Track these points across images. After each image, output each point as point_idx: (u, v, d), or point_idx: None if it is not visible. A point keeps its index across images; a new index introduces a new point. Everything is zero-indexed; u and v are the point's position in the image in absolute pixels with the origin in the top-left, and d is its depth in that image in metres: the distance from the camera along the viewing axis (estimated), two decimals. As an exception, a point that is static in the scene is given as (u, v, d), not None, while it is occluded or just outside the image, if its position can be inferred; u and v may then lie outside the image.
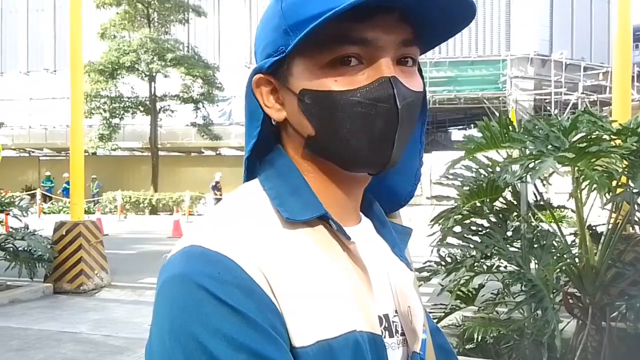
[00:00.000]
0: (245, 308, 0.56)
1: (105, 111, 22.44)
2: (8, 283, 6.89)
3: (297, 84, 0.65)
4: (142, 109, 23.22)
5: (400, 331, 0.70)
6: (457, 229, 3.46)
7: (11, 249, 6.86)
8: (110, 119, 22.60)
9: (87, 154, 12.31)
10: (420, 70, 0.70)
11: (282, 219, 0.64)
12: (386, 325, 0.68)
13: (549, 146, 2.88)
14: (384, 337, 0.66)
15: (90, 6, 19.70)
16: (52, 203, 22.47)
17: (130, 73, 22.04)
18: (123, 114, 22.89)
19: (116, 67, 21.56)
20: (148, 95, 23.17)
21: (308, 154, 0.68)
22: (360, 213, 0.74)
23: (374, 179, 0.72)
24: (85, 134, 12.50)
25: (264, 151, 0.71)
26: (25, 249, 6.93)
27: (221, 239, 0.60)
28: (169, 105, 23.55)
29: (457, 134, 31.82)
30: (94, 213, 18.49)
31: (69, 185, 10.97)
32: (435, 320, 4.10)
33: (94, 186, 22.83)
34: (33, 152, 29.14)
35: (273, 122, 0.70)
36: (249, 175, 0.71)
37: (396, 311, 0.71)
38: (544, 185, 3.59)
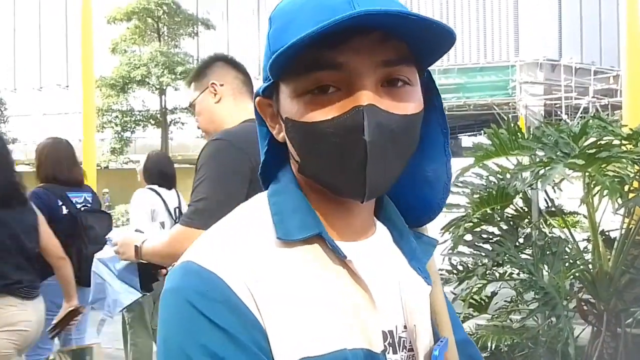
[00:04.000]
0: (229, 325, 0.58)
1: (116, 125, 22.65)
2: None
3: (283, 111, 0.66)
4: (153, 122, 23.41)
5: (408, 347, 0.70)
6: (468, 237, 3.43)
7: (26, 263, 6.91)
8: (122, 133, 22.80)
9: (99, 167, 12.43)
10: (430, 83, 0.71)
11: None
12: (390, 341, 0.68)
13: (559, 152, 2.87)
14: (388, 353, 0.66)
15: (101, 22, 19.95)
16: (65, 217, 22.60)
17: (141, 87, 22.25)
18: (134, 127, 23.09)
19: (127, 81, 21.78)
20: (159, 109, 23.36)
21: (302, 176, 0.69)
22: (378, 222, 0.75)
23: (407, 188, 0.74)
24: (97, 148, 12.62)
25: (276, 166, 0.73)
26: (40, 263, 6.97)
27: (214, 256, 0.63)
28: (179, 118, 23.71)
29: (467, 141, 31.69)
30: (106, 226, 18.58)
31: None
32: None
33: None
34: (46, 166, 29.39)
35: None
36: (267, 188, 0.75)
37: (405, 327, 0.70)
38: (555, 191, 3.56)
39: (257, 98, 0.70)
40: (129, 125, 22.87)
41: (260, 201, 0.71)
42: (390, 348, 0.67)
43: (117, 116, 22.61)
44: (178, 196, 4.20)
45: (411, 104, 0.64)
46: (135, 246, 1.88)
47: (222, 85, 1.94)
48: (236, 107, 1.92)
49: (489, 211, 3.41)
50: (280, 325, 0.60)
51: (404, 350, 0.69)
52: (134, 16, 22.22)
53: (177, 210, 4.06)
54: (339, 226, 0.68)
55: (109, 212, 4.66)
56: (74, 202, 3.52)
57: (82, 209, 3.55)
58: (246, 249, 0.63)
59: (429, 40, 0.62)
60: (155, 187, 4.07)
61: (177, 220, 3.70)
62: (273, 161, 0.73)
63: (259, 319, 0.59)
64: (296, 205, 0.67)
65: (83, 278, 3.06)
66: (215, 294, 0.59)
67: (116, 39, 22.41)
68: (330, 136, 0.61)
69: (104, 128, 22.20)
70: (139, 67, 21.54)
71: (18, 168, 3.02)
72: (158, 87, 22.27)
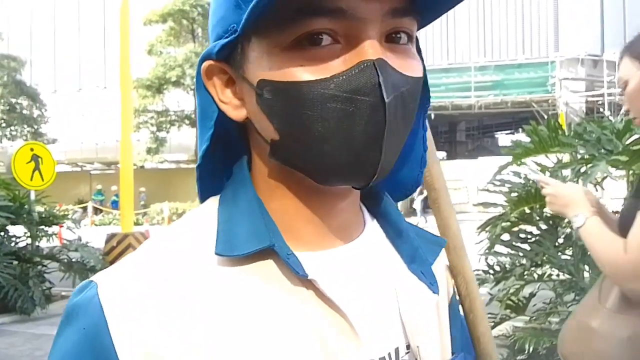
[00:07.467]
0: None
1: (152, 125, 23.11)
2: (62, 293, 7.14)
3: (255, 73, 0.50)
4: (187, 122, 23.77)
5: None
6: (505, 236, 3.36)
7: (65, 260, 7.12)
8: (157, 133, 23.25)
9: (135, 167, 12.70)
10: (419, 51, 0.57)
11: None
12: None
13: (601, 150, 2.77)
14: None
15: (138, 24, 20.37)
16: (102, 215, 23.23)
17: (176, 87, 22.64)
18: (169, 127, 23.51)
19: (162, 82, 22.18)
20: (193, 109, 23.72)
21: (274, 163, 0.53)
22: (369, 219, 0.61)
23: None
24: (133, 148, 12.92)
25: (233, 156, 0.58)
26: (79, 260, 7.17)
27: (122, 284, 0.49)
28: (213, 118, 24.03)
29: (504, 139, 31.17)
30: (142, 224, 19.00)
31: (118, 197, 11.36)
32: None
33: (139, 198, 23.53)
34: (84, 166, 30.23)
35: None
36: (203, 188, 0.59)
37: (408, 346, 0.56)
38: (597, 190, 3.45)
39: (207, 62, 0.53)
40: (164, 126, 23.31)
41: (207, 208, 0.56)
42: None
43: (152, 116, 23.06)
44: None
45: (416, 65, 0.52)
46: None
47: None
48: None
49: (527, 210, 3.32)
50: None
51: None
52: (170, 18, 22.61)
53: None
54: (311, 231, 0.54)
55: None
56: None
57: None
58: (167, 272, 0.49)
59: None
60: None
61: None
62: (218, 152, 0.57)
63: None
64: (247, 208, 0.53)
65: None
66: (85, 342, 0.47)
67: (152, 41, 22.84)
68: (331, 99, 0.46)
69: (139, 128, 22.67)
70: (174, 68, 21.92)
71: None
72: (192, 87, 22.60)
